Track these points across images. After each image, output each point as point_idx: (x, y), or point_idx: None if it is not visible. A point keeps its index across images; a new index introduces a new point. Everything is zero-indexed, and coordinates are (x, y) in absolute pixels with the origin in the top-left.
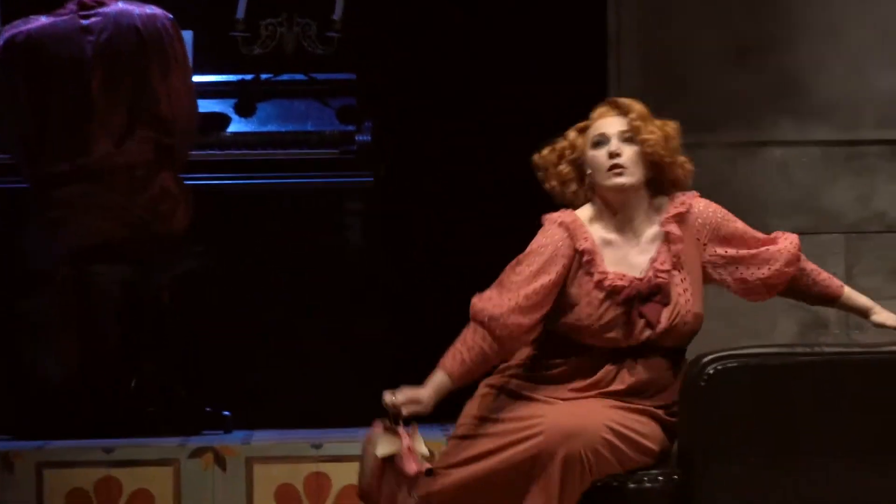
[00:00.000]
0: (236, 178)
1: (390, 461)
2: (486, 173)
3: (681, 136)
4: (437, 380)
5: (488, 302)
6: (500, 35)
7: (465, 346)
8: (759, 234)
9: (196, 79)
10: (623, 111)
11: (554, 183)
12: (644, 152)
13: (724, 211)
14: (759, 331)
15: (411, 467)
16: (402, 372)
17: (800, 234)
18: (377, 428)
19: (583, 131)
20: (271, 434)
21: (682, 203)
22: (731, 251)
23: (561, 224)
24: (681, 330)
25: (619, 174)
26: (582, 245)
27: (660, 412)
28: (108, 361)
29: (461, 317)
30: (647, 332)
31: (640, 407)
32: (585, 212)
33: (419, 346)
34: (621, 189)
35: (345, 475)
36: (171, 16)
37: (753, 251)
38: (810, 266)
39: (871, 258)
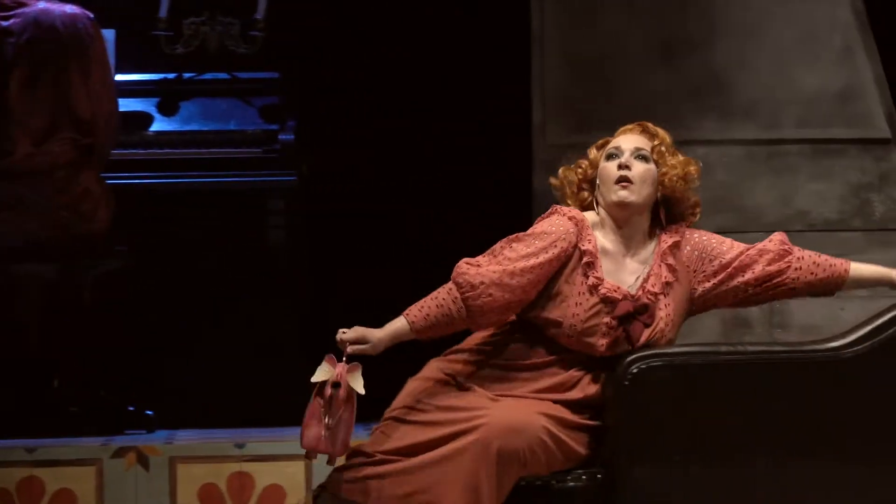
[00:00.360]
0: (159, 177)
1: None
2: (408, 173)
3: (698, 171)
4: (397, 325)
5: (473, 268)
6: (423, 34)
7: (435, 302)
8: (743, 246)
9: (118, 77)
10: (649, 134)
11: (571, 202)
12: (661, 179)
13: (712, 235)
14: (682, 330)
15: (312, 430)
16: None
17: (722, 233)
18: (326, 360)
19: (602, 147)
20: (194, 433)
21: (676, 231)
22: (720, 272)
23: (571, 218)
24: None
25: (625, 188)
26: (585, 245)
27: (595, 423)
28: (30, 361)
29: (380, 316)
30: (625, 347)
31: (581, 421)
32: (590, 216)
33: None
34: (623, 205)
35: (268, 474)
36: (91, 15)
37: (736, 261)
38: (807, 255)
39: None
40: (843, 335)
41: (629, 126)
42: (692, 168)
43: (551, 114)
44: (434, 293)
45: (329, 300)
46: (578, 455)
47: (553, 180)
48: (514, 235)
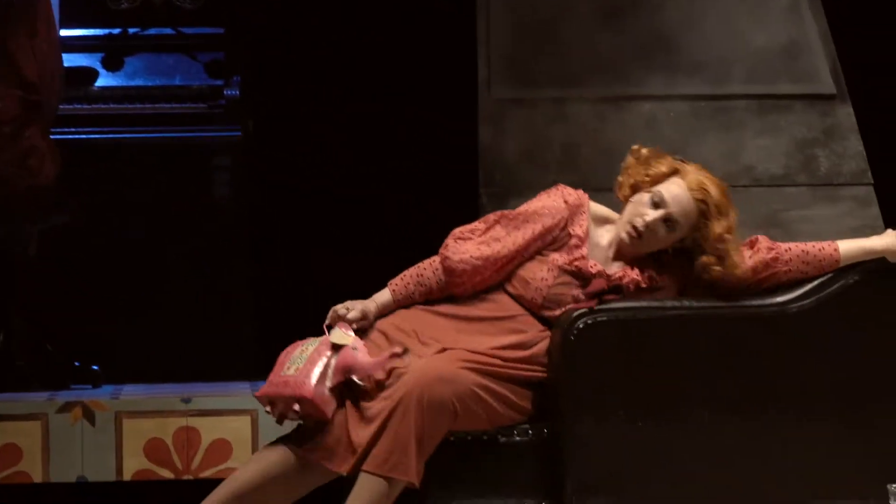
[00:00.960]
0: (104, 132)
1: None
2: (355, 127)
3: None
4: (384, 298)
5: (461, 249)
6: None
7: (419, 280)
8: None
9: (63, 33)
10: (703, 203)
11: (624, 189)
12: (693, 250)
13: None
14: None
15: (320, 387)
16: (268, 326)
17: None
18: (339, 326)
19: (673, 174)
20: (141, 388)
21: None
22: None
23: (567, 202)
24: None
25: (637, 234)
26: (575, 230)
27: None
28: None
29: (325, 270)
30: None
31: (528, 375)
32: (603, 210)
33: (284, 301)
34: (622, 243)
35: (214, 429)
36: None
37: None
38: (795, 252)
39: (740, 212)
40: (789, 290)
41: (692, 176)
42: (724, 244)
43: (496, 69)
44: (419, 268)
45: (276, 254)
46: (525, 410)
47: (628, 159)
48: (509, 212)
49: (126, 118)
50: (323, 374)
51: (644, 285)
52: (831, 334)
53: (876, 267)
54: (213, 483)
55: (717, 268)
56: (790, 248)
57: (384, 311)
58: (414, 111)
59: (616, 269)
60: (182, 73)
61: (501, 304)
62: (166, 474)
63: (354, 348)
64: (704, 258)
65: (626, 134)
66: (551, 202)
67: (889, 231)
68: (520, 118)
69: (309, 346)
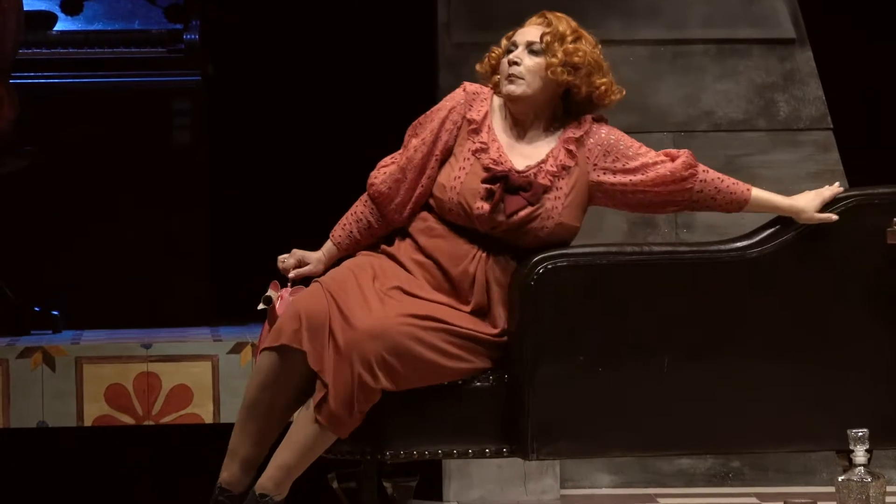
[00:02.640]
0: (62, 76)
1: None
2: (315, 73)
3: (589, 58)
4: (327, 247)
5: (381, 172)
6: None
7: (354, 217)
8: (651, 156)
9: None
10: (546, 22)
11: (489, 86)
12: (545, 70)
13: (621, 135)
14: (586, 229)
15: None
16: (227, 272)
17: (628, 132)
18: (270, 287)
19: (510, 38)
20: (101, 334)
21: (581, 125)
22: (619, 173)
23: (465, 90)
24: (538, 233)
25: (511, 82)
26: (473, 115)
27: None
28: None
29: (282, 217)
30: (501, 218)
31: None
32: (496, 101)
33: (243, 248)
34: (511, 97)
35: (175, 375)
36: None
37: (639, 173)
38: (711, 177)
39: (699, 156)
40: (748, 236)
41: (532, 18)
42: (579, 56)
43: (456, 12)
44: (353, 208)
45: (234, 199)
46: (479, 368)
47: (478, 66)
48: (417, 120)
49: (85, 63)
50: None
51: (555, 171)
52: (791, 279)
53: (837, 212)
54: (174, 428)
55: (562, 70)
56: (707, 171)
57: (333, 260)
58: (373, 55)
59: (524, 161)
60: (141, 18)
61: (448, 241)
62: (127, 420)
63: (273, 305)
64: (551, 58)
65: None
66: (451, 96)
67: (806, 192)
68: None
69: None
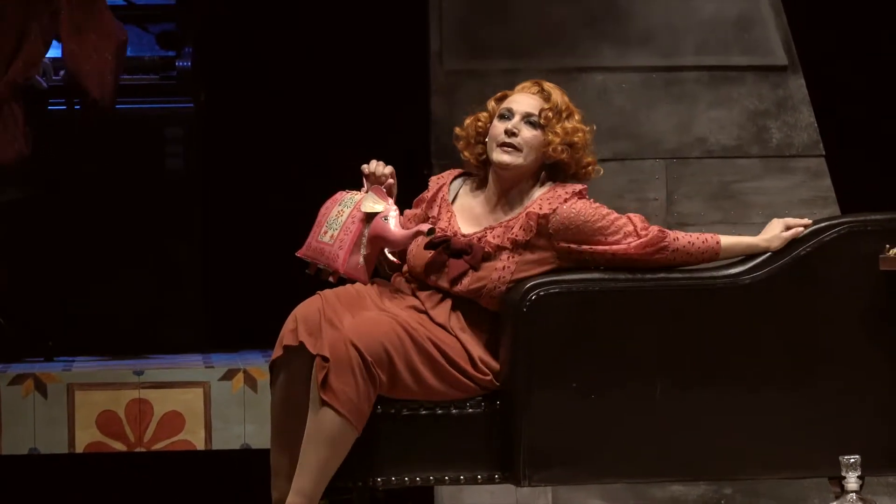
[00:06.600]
0: (56, 103)
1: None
2: (308, 101)
3: (586, 138)
4: None
5: None
6: None
7: None
8: (619, 236)
9: None
10: (543, 96)
11: (467, 154)
12: (545, 146)
13: (590, 214)
14: None
15: (354, 257)
16: (219, 299)
17: (621, 159)
18: (373, 191)
19: (501, 100)
20: (93, 361)
21: (553, 202)
22: (586, 244)
23: (431, 180)
24: (488, 299)
25: (506, 152)
26: (429, 195)
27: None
28: None
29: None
30: (445, 284)
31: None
32: (460, 178)
33: (235, 274)
34: (502, 166)
35: (166, 401)
36: None
37: (601, 250)
38: (681, 244)
39: (692, 184)
40: (741, 262)
41: (527, 84)
42: (579, 136)
43: (448, 40)
44: None
45: (227, 227)
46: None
47: (457, 130)
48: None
49: (78, 89)
50: (356, 245)
51: (502, 243)
52: (784, 305)
53: (828, 239)
54: (166, 455)
55: (562, 148)
56: (677, 240)
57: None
58: (366, 82)
59: (482, 228)
60: (134, 45)
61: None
62: (119, 447)
63: (385, 218)
64: (552, 136)
65: (578, 105)
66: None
67: (775, 221)
68: (471, 90)
69: (345, 207)
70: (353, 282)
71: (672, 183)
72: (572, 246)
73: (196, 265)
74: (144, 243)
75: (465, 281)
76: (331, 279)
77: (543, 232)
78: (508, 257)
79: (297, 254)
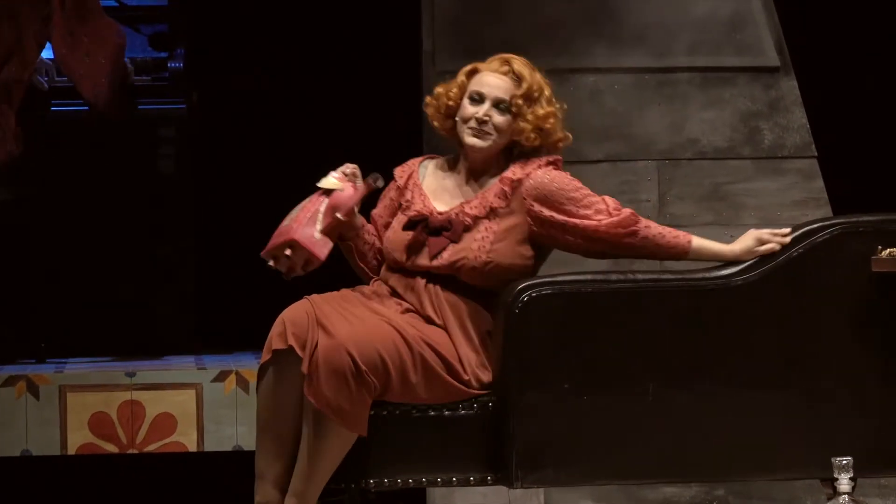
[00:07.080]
0: (57, 104)
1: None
2: (301, 101)
3: (557, 123)
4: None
5: None
6: None
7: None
8: (590, 211)
9: None
10: (515, 80)
11: (436, 124)
12: (515, 132)
13: (564, 182)
14: (571, 256)
15: (307, 229)
16: (212, 301)
17: (613, 161)
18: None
19: (471, 75)
20: (85, 363)
21: (526, 167)
22: (556, 212)
23: (396, 171)
24: (469, 271)
25: (477, 136)
26: (400, 182)
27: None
28: None
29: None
30: (425, 261)
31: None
32: (428, 160)
33: (228, 275)
34: (474, 150)
35: (159, 403)
36: None
37: (573, 223)
38: (652, 233)
39: (684, 185)
40: (733, 263)
41: (496, 62)
42: (550, 123)
43: (441, 41)
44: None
45: (219, 228)
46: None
47: (428, 99)
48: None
49: (69, 91)
50: (312, 218)
51: (479, 213)
52: (776, 307)
53: (821, 240)
54: (158, 457)
55: (534, 135)
56: (649, 227)
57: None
58: (358, 83)
59: (458, 202)
60: (126, 46)
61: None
62: (111, 448)
63: (342, 189)
64: (523, 124)
65: (570, 106)
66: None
67: (751, 232)
68: None
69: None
70: (338, 288)
71: (664, 184)
72: (544, 211)
73: (188, 266)
74: (136, 244)
75: (445, 254)
76: (292, 269)
77: (517, 195)
78: (486, 227)
79: (262, 254)
